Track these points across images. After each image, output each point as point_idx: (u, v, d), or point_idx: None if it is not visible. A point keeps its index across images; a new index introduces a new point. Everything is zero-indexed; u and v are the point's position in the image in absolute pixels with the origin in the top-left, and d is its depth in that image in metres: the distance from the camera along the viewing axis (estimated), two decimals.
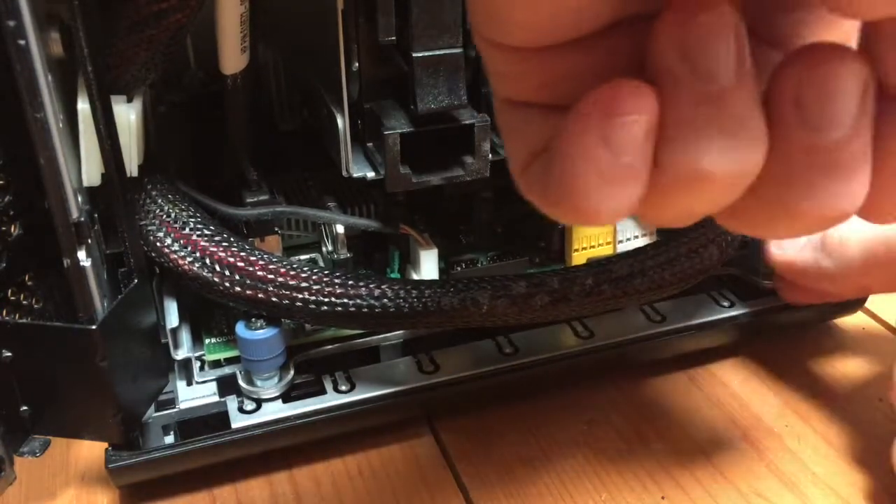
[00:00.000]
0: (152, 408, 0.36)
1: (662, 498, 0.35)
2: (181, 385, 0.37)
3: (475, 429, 0.38)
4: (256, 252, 0.33)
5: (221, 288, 0.33)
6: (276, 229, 0.36)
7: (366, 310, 0.33)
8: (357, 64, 0.33)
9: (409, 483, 0.36)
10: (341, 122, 0.32)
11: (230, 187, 0.37)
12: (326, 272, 0.33)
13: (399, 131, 0.32)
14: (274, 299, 0.33)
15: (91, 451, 0.37)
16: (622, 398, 0.40)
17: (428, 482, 0.36)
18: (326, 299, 0.33)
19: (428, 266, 0.37)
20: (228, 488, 0.36)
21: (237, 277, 0.32)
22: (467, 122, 0.32)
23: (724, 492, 0.35)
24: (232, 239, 0.33)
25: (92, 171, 0.30)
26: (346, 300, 0.33)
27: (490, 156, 0.33)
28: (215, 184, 0.37)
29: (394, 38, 0.31)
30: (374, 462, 0.37)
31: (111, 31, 0.28)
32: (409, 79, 0.31)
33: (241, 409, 0.36)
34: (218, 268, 0.32)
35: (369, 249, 0.40)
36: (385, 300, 0.33)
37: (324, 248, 0.39)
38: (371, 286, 0.33)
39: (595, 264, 0.33)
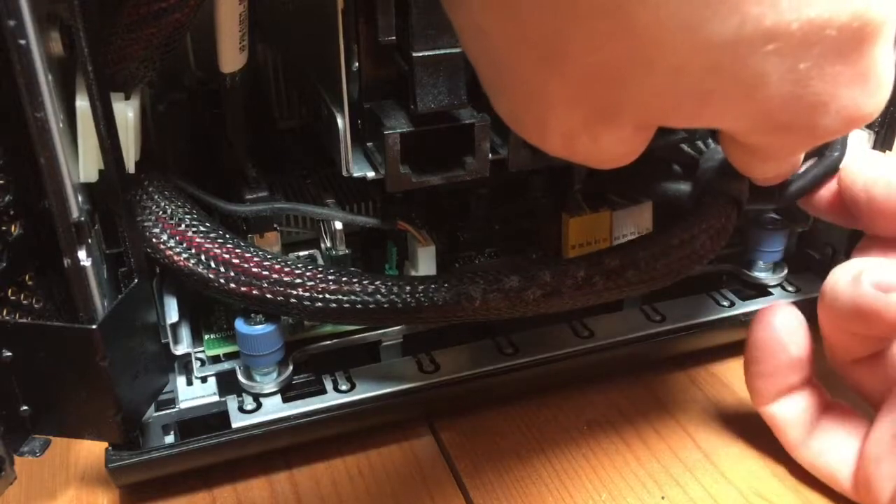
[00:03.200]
0: (152, 407, 0.36)
1: (662, 498, 0.35)
2: (181, 385, 0.37)
3: (475, 429, 0.38)
4: (252, 249, 0.33)
5: (216, 284, 0.33)
6: (275, 226, 0.36)
7: (360, 306, 0.33)
8: (357, 64, 0.33)
9: (409, 483, 0.36)
10: (341, 121, 0.32)
11: (230, 184, 0.37)
12: (320, 269, 0.33)
13: (399, 131, 0.32)
14: (268, 296, 0.33)
15: (91, 451, 0.37)
16: (622, 398, 0.40)
17: (428, 482, 0.36)
18: (320, 296, 0.33)
19: (425, 263, 0.37)
20: (228, 488, 0.36)
21: (232, 274, 0.33)
22: (467, 121, 0.32)
23: (724, 492, 0.35)
24: (228, 236, 0.33)
25: (89, 167, 0.30)
26: (339, 296, 0.33)
27: (490, 155, 0.33)
28: (215, 181, 0.37)
29: (394, 37, 0.31)
30: (374, 462, 0.37)
31: (110, 29, 0.28)
32: (409, 78, 0.31)
33: (241, 409, 0.36)
34: (213, 264, 0.33)
35: (368, 246, 0.40)
36: (378, 296, 0.33)
37: (322, 245, 0.39)
38: (364, 282, 0.33)
39: (587, 257, 0.34)
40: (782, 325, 0.33)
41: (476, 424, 0.39)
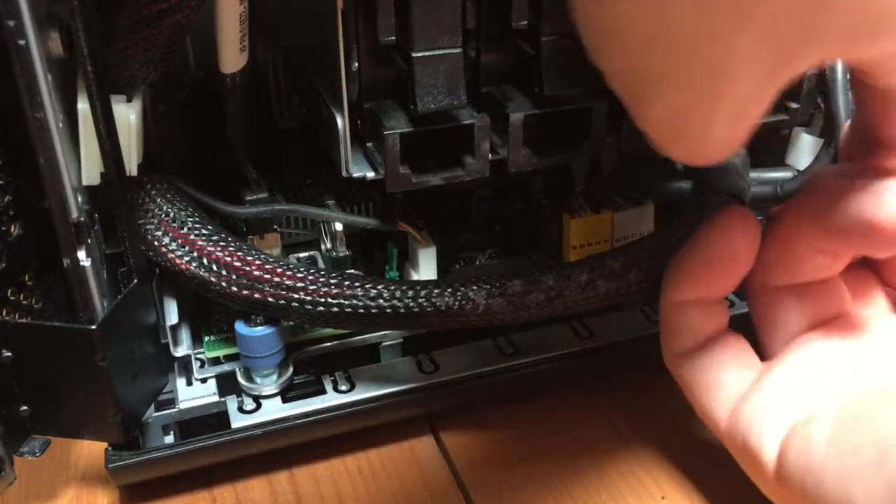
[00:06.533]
0: (152, 408, 0.36)
1: (662, 498, 0.35)
2: (181, 385, 0.37)
3: (475, 429, 0.38)
4: (253, 252, 0.33)
5: (218, 287, 0.33)
6: (276, 227, 0.36)
7: (361, 311, 0.33)
8: (357, 64, 0.33)
9: (409, 483, 0.36)
10: (341, 121, 0.32)
11: (230, 186, 0.37)
12: (322, 273, 0.33)
13: (399, 131, 0.31)
14: (270, 299, 0.33)
15: (91, 451, 0.37)
16: (622, 398, 0.40)
17: (428, 482, 0.36)
18: (322, 300, 0.33)
19: (426, 264, 0.37)
20: (228, 488, 0.36)
21: (234, 277, 0.33)
22: (467, 122, 0.32)
23: (724, 492, 0.35)
24: (230, 239, 0.33)
25: (91, 170, 0.30)
26: (341, 301, 0.33)
27: (490, 156, 0.33)
28: (215, 182, 0.37)
29: (393, 38, 0.31)
30: (374, 462, 0.37)
31: (111, 31, 0.28)
32: (409, 79, 0.31)
33: (241, 409, 0.36)
34: (215, 267, 0.33)
35: (368, 247, 0.40)
36: (381, 301, 0.33)
37: (323, 246, 0.39)
38: (367, 286, 0.33)
39: (589, 259, 0.34)
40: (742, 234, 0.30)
41: (476, 424, 0.39)
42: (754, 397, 0.29)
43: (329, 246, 0.38)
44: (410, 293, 0.33)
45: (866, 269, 0.32)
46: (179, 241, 0.33)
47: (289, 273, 0.33)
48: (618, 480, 0.36)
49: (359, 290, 0.33)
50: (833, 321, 0.31)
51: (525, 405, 0.39)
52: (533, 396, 0.40)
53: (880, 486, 0.23)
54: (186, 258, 0.33)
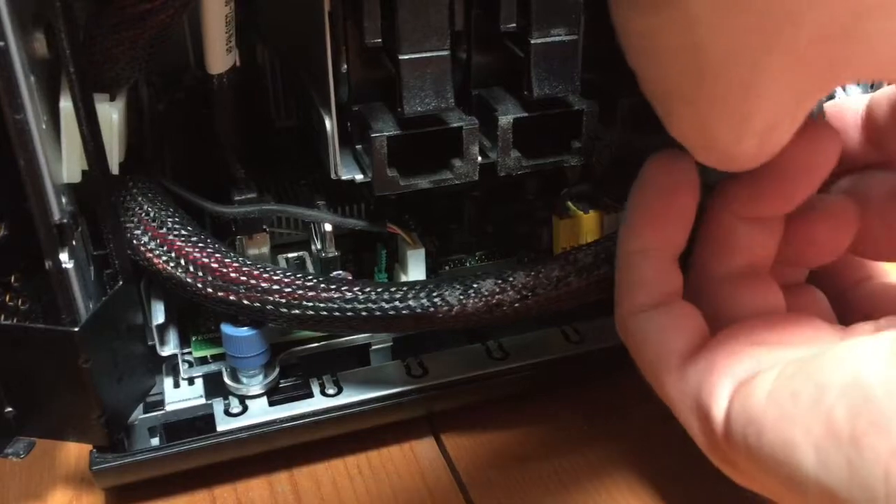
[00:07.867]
0: (139, 409, 0.36)
1: (662, 497, 0.34)
2: (168, 386, 0.37)
3: (475, 429, 0.38)
4: (232, 254, 0.33)
5: (194, 288, 0.32)
6: (264, 227, 0.36)
7: (337, 314, 0.32)
8: (345, 66, 0.32)
9: (409, 483, 0.36)
10: (329, 124, 0.32)
11: (221, 185, 0.36)
12: (299, 276, 0.33)
13: (386, 134, 0.31)
14: (245, 301, 0.32)
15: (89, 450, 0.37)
16: (621, 398, 0.40)
17: (428, 482, 0.36)
18: (297, 303, 0.32)
19: (415, 266, 0.37)
20: (228, 488, 0.36)
21: (210, 278, 0.32)
22: (455, 124, 0.32)
23: (725, 491, 0.34)
24: (209, 240, 0.33)
25: (72, 167, 0.29)
26: (317, 304, 0.32)
27: (479, 158, 0.33)
28: (210, 181, 0.36)
29: (379, 40, 0.30)
30: (374, 462, 0.37)
31: (95, 30, 0.28)
32: (396, 81, 0.31)
33: (227, 412, 0.36)
34: (192, 268, 0.32)
35: (358, 248, 0.40)
36: (356, 304, 0.32)
37: (313, 247, 0.39)
38: (343, 289, 0.33)
39: (561, 256, 0.33)
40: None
41: (476, 425, 0.38)
42: (704, 357, 0.28)
43: (319, 246, 0.37)
44: (385, 295, 0.33)
45: (808, 287, 0.32)
46: (158, 240, 0.32)
47: (265, 276, 0.33)
48: (618, 480, 0.35)
49: (334, 293, 0.33)
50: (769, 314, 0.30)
51: (525, 406, 0.39)
52: (532, 397, 0.39)
53: (817, 423, 0.23)
54: (164, 258, 0.32)
